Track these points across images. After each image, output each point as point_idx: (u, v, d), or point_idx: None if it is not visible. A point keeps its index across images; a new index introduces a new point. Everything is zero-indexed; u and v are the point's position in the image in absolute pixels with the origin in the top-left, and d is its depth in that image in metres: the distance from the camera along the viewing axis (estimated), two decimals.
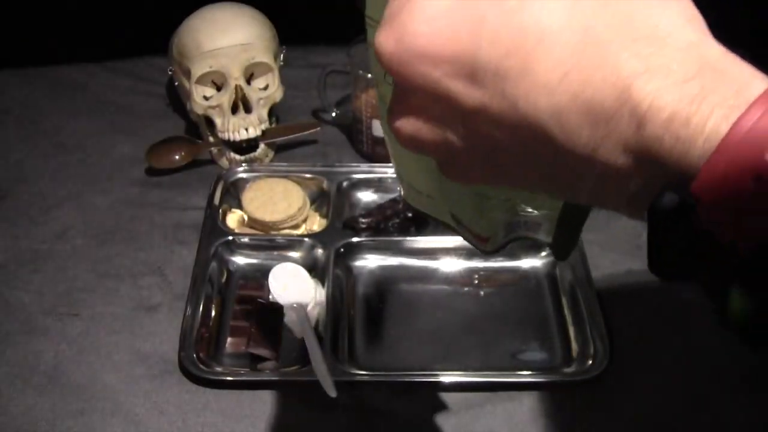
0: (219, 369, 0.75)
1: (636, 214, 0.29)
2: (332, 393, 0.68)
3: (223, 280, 0.85)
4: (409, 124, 0.32)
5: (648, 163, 0.27)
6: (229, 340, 0.79)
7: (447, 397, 0.73)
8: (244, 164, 0.98)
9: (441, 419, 0.72)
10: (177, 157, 0.99)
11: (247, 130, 0.96)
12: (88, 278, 0.85)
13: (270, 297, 0.75)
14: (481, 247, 0.46)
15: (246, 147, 0.98)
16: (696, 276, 0.28)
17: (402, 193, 0.47)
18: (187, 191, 0.97)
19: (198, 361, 0.75)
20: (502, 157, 0.31)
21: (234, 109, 0.96)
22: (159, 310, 0.82)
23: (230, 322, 0.81)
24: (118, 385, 0.75)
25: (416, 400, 0.73)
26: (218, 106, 0.97)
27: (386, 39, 0.30)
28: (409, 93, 0.31)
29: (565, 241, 0.43)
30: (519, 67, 0.27)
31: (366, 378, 0.74)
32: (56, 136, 1.06)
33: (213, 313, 0.81)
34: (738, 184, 0.25)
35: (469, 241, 0.46)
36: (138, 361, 0.77)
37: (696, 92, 0.25)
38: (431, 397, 0.73)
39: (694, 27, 0.28)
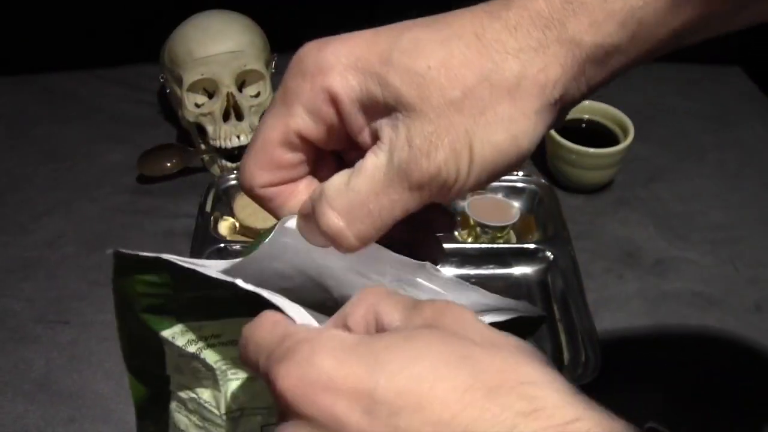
0: None
1: None
2: None
3: None
4: None
5: None
6: None
7: None
8: (235, 171, 0.97)
9: None
10: (168, 164, 0.99)
11: (238, 137, 0.96)
12: (79, 286, 0.85)
13: None
14: None
15: (237, 154, 0.98)
16: None
17: None
18: (178, 199, 0.97)
19: None
20: None
21: (225, 117, 0.96)
22: None
23: None
24: (108, 392, 0.74)
25: None
26: (210, 113, 0.96)
27: (287, 374, 0.31)
28: (296, 417, 0.31)
29: None
30: (412, 405, 0.29)
31: None
32: (47, 143, 1.05)
33: None
34: None
35: None
36: None
37: None
38: None
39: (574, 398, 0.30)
